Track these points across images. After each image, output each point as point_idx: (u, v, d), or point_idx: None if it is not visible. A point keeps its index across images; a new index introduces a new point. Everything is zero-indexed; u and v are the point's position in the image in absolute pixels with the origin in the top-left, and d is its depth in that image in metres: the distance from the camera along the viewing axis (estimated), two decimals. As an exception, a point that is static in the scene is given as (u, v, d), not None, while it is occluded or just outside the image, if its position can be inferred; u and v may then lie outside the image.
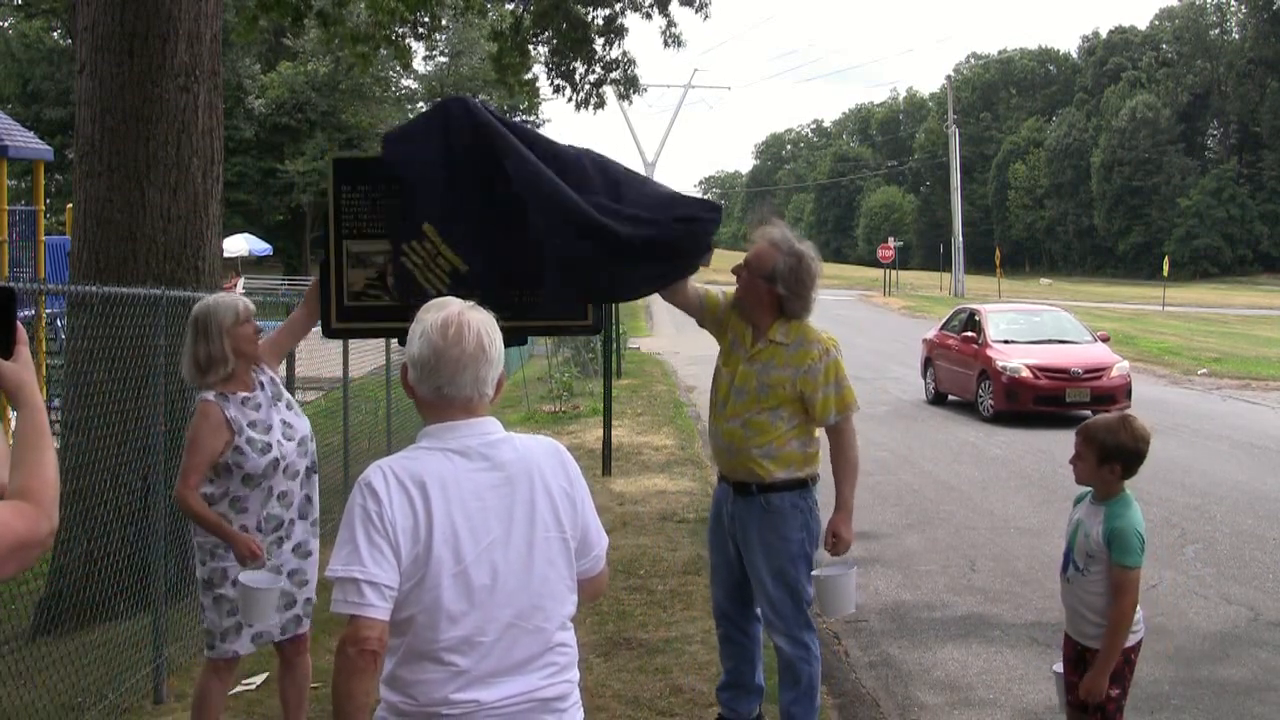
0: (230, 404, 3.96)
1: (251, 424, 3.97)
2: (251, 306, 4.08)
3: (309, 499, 4.14)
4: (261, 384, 4.10)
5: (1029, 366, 14.46)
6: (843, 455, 4.29)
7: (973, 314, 16.62)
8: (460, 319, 2.36)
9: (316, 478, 4.22)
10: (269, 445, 3.96)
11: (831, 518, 4.29)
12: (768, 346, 4.24)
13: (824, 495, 4.37)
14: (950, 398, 16.34)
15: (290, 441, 4.05)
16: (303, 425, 4.17)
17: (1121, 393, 14.38)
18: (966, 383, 15.52)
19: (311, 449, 4.18)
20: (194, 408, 4.01)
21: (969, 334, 15.87)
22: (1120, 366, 14.84)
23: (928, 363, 17.06)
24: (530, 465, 2.38)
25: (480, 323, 2.37)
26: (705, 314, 4.44)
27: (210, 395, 3.95)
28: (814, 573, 4.23)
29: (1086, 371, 14.49)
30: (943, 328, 17.30)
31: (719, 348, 4.48)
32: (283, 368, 7.53)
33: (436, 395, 2.36)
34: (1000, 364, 14.63)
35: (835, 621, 6.25)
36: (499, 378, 2.41)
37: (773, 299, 4.22)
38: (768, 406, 4.21)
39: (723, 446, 4.34)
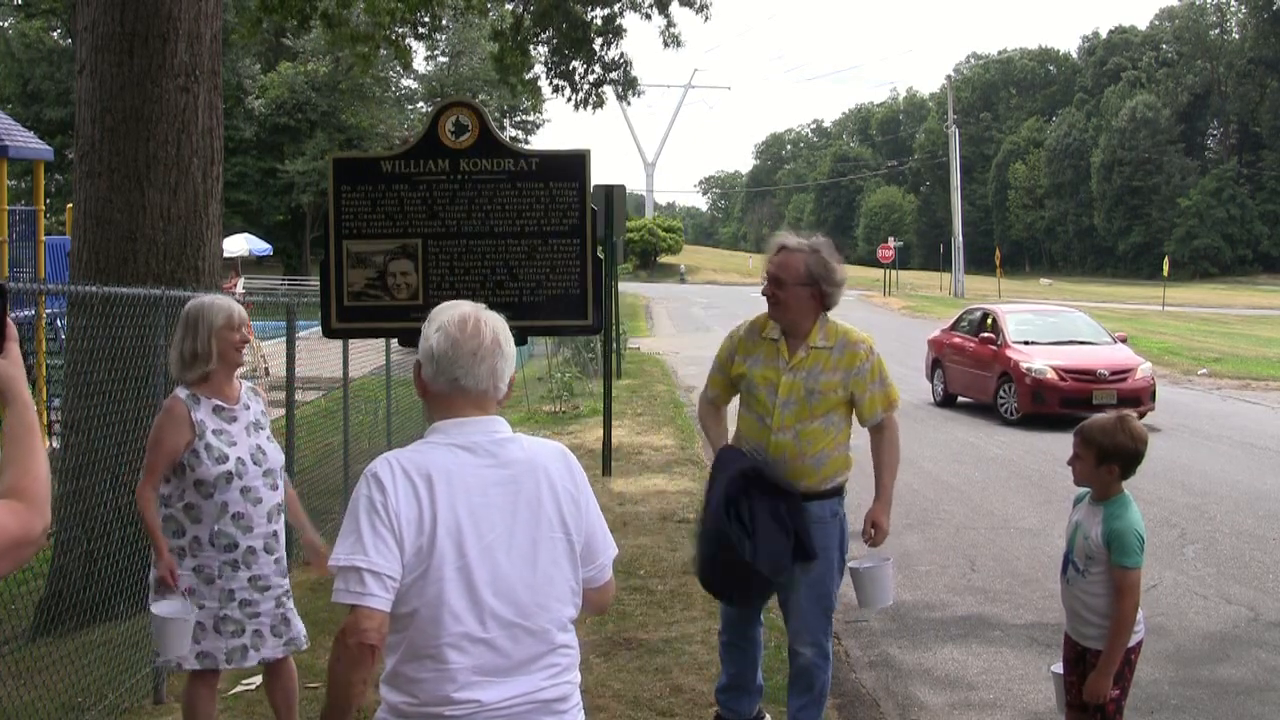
0: (200, 406, 3.93)
1: (216, 431, 3.93)
2: (244, 315, 4.03)
3: (276, 535, 4.06)
4: (248, 406, 4.08)
5: (1054, 368, 14.18)
6: (889, 449, 4.32)
7: (988, 315, 16.35)
8: (476, 315, 2.40)
9: (283, 518, 4.15)
10: (225, 456, 3.91)
11: (871, 508, 4.31)
12: (810, 354, 4.23)
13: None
14: (960, 399, 16.11)
15: (257, 466, 4.00)
16: (277, 459, 4.12)
17: (1146, 394, 14.12)
18: (984, 385, 15.22)
19: (281, 485, 4.12)
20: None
21: (988, 335, 15.50)
22: (1144, 368, 14.60)
23: (935, 364, 16.73)
24: (536, 465, 2.38)
25: (495, 320, 2.42)
26: (733, 387, 4.45)
27: (182, 393, 3.93)
28: (851, 564, 4.25)
29: (1113, 373, 14.23)
30: (952, 328, 16.99)
31: (736, 362, 4.42)
32: (281, 369, 7.56)
33: (452, 387, 2.37)
34: (1025, 366, 14.32)
35: (835, 621, 6.25)
36: (511, 376, 2.44)
37: (817, 300, 4.23)
38: (819, 414, 4.21)
39: (773, 460, 4.28)
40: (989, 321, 16.01)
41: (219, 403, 3.98)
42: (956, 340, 16.41)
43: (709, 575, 4.21)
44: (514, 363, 2.45)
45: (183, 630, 3.83)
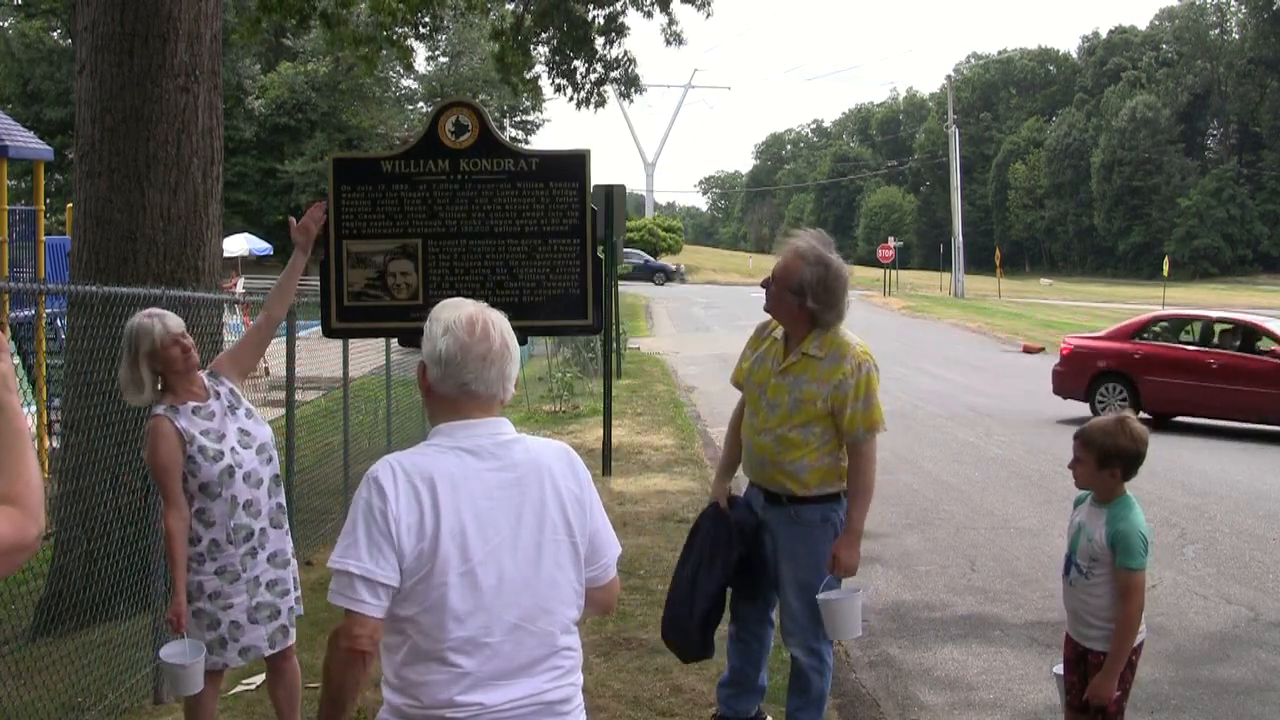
0: (180, 415, 3.92)
1: (204, 433, 3.93)
2: (177, 326, 3.98)
3: (280, 507, 4.09)
4: (218, 393, 4.07)
5: None
6: (859, 477, 4.19)
7: (1240, 326, 14.54)
8: (484, 316, 2.39)
9: (283, 488, 4.18)
10: (221, 453, 3.92)
11: (838, 540, 4.22)
12: (800, 360, 4.19)
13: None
14: (1155, 415, 14.17)
15: (248, 449, 4.01)
16: (263, 433, 4.13)
17: None
18: (1269, 404, 13.46)
19: (274, 456, 4.14)
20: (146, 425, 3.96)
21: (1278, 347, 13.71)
22: None
23: (1103, 377, 14.68)
24: (540, 467, 2.38)
25: (501, 321, 2.41)
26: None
27: (160, 409, 3.91)
28: (819, 596, 4.18)
29: None
30: (1134, 336, 14.99)
31: (745, 355, 4.48)
32: (281, 369, 7.56)
33: (461, 391, 2.36)
34: None
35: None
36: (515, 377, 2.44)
37: (804, 312, 4.16)
38: (799, 423, 4.16)
39: (755, 459, 4.31)
40: (1250, 334, 14.28)
41: (194, 404, 3.98)
42: (1169, 350, 14.56)
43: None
44: (519, 363, 2.44)
45: (194, 672, 3.82)
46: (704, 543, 4.42)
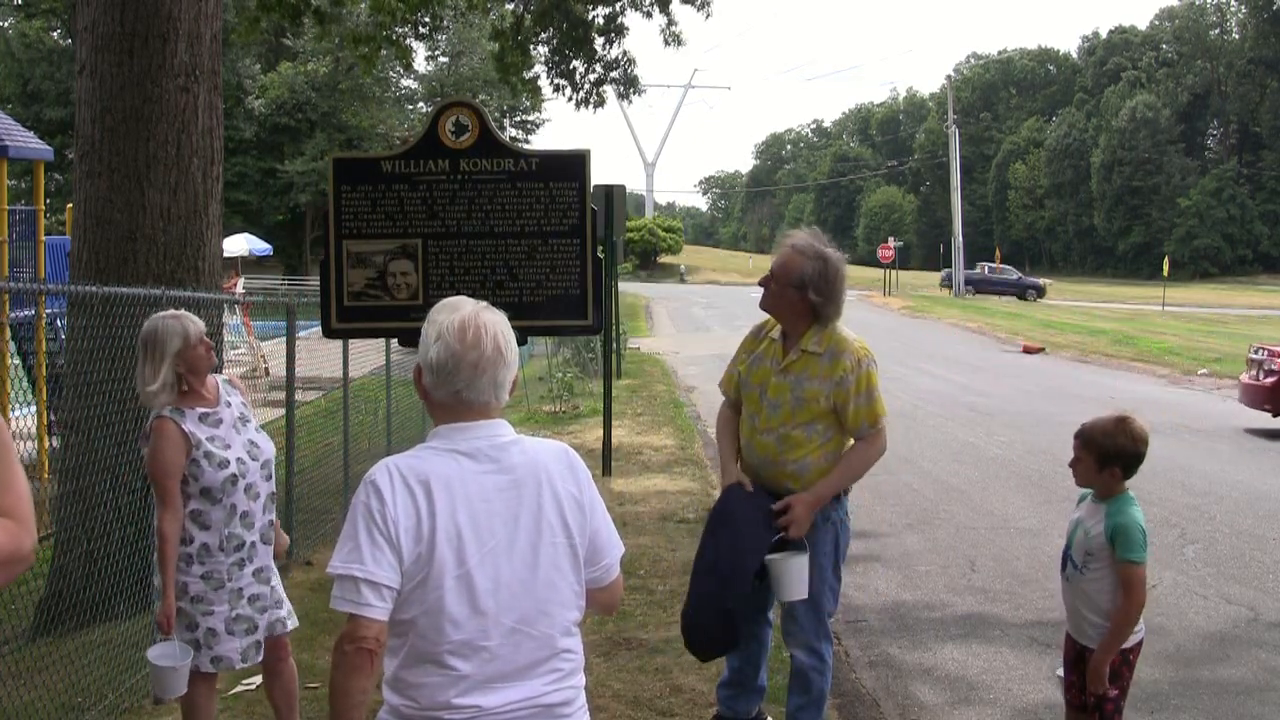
0: (186, 418, 3.91)
1: (210, 438, 3.92)
2: (202, 326, 4.00)
3: (271, 524, 4.11)
4: (229, 402, 4.06)
5: None
6: (858, 457, 4.20)
7: None
8: (477, 321, 2.34)
9: (275, 506, 4.19)
10: (226, 460, 3.92)
11: (797, 494, 4.12)
12: (800, 357, 4.19)
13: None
14: None
15: (255, 461, 4.01)
16: (269, 448, 4.13)
17: None
18: None
19: (273, 474, 4.15)
20: (149, 426, 3.95)
21: None
22: None
23: None
24: (538, 469, 2.36)
25: (496, 324, 2.37)
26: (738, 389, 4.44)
27: (165, 412, 3.90)
28: (767, 557, 4.12)
29: None
30: None
31: (740, 358, 4.45)
32: (281, 369, 7.56)
33: (455, 399, 2.34)
34: None
35: (835, 621, 6.25)
36: (514, 379, 2.42)
37: (805, 306, 4.16)
38: (802, 421, 4.16)
39: (757, 460, 4.29)
40: None
41: (203, 410, 3.97)
42: None
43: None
44: (517, 365, 2.41)
45: (180, 675, 3.82)
46: (742, 520, 4.20)
